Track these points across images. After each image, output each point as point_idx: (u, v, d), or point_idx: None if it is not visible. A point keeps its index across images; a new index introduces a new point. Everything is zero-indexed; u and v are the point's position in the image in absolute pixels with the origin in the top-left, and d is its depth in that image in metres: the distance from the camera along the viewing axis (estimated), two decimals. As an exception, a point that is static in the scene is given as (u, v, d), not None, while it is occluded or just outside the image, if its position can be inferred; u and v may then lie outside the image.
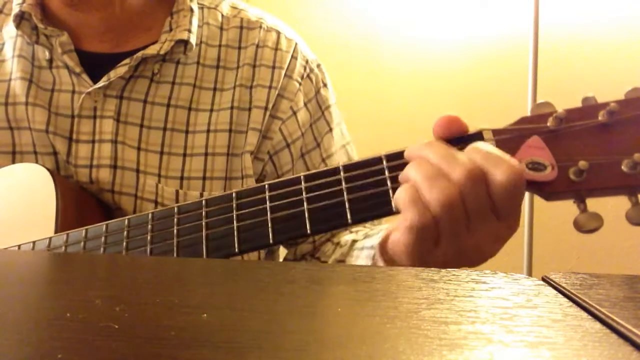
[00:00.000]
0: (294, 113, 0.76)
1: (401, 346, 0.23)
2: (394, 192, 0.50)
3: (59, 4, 0.72)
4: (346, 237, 0.74)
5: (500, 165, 0.46)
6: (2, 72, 0.75)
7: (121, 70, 0.71)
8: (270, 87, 0.75)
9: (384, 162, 0.52)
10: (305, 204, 0.53)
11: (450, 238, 0.48)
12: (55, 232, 0.63)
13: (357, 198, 0.51)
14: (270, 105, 0.75)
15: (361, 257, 0.65)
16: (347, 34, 1.97)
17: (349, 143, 0.84)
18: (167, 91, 0.74)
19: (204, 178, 0.73)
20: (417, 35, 1.94)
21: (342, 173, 0.53)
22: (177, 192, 0.71)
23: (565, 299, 0.29)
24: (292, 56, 0.78)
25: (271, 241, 0.53)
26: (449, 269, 0.35)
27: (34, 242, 0.62)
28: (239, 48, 0.77)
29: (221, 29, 0.78)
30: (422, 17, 1.93)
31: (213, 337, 0.24)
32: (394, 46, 1.96)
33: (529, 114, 0.52)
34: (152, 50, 0.72)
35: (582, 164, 0.47)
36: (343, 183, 0.52)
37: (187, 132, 0.73)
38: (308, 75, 0.79)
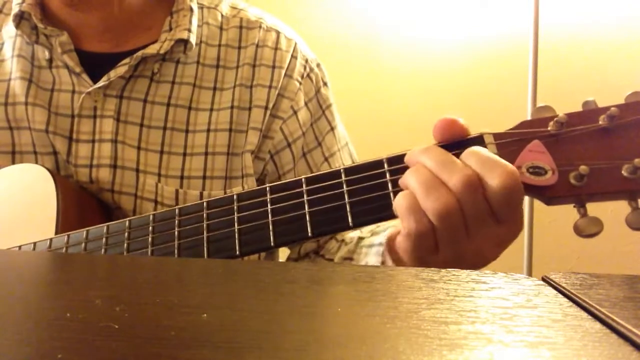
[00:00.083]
0: (295, 112, 0.76)
1: (401, 346, 0.23)
2: (395, 196, 0.50)
3: (59, 3, 0.72)
4: (351, 234, 0.74)
5: (495, 169, 0.46)
6: (1, 72, 0.75)
7: (121, 69, 0.71)
8: (270, 87, 0.75)
9: (386, 166, 0.52)
10: (306, 206, 0.53)
11: (449, 244, 0.48)
12: (56, 232, 0.63)
13: (358, 201, 0.51)
14: (270, 105, 0.75)
15: (370, 255, 0.65)
16: (347, 34, 1.97)
17: (348, 142, 0.84)
18: (167, 90, 0.74)
19: (204, 177, 0.73)
20: (417, 35, 1.94)
21: (343, 176, 0.52)
22: (177, 191, 0.71)
23: (565, 299, 0.29)
24: (292, 56, 0.78)
25: (272, 244, 0.53)
26: (449, 269, 0.35)
27: (34, 243, 0.62)
28: (239, 48, 0.77)
29: (221, 28, 0.78)
30: (422, 17, 1.93)
31: (213, 337, 0.24)
32: (394, 46, 1.96)
33: (529, 116, 0.52)
34: (151, 49, 0.72)
35: (583, 168, 0.47)
36: (344, 186, 0.52)
37: (187, 131, 0.73)
38: (308, 75, 0.79)
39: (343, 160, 0.80)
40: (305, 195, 0.53)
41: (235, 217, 0.55)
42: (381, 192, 0.51)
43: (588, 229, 0.48)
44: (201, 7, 0.78)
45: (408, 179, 0.49)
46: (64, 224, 0.63)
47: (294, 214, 0.53)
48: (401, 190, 0.50)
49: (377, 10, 1.96)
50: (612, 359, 0.22)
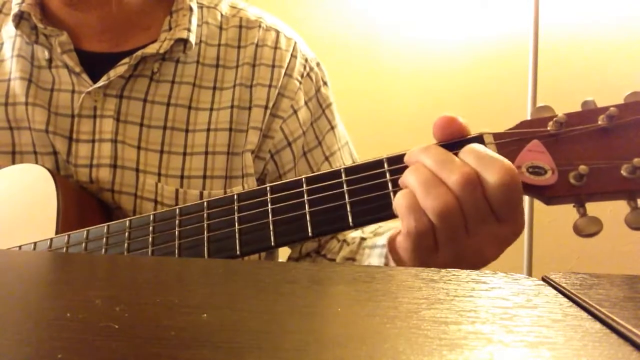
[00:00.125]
0: (295, 112, 0.76)
1: (401, 346, 0.23)
2: (395, 196, 0.50)
3: (58, 3, 0.72)
4: (352, 234, 0.74)
5: (492, 166, 0.46)
6: (1, 72, 0.75)
7: (121, 69, 0.71)
8: (270, 86, 0.75)
9: (386, 165, 0.52)
10: (307, 206, 0.53)
11: (449, 243, 0.48)
12: (56, 232, 0.63)
13: (358, 201, 0.51)
14: (270, 104, 0.75)
15: (373, 255, 0.65)
16: (347, 34, 1.97)
17: (348, 142, 0.84)
18: (166, 90, 0.74)
19: (204, 177, 0.73)
20: (417, 35, 1.94)
21: (343, 176, 0.52)
22: (177, 191, 0.71)
23: (565, 299, 0.29)
24: (291, 55, 0.78)
25: (273, 244, 0.53)
26: (449, 269, 0.35)
27: (35, 243, 0.62)
28: (239, 47, 0.77)
29: (220, 28, 0.78)
30: (422, 17, 1.93)
31: (213, 337, 0.24)
32: (394, 46, 1.96)
33: (529, 116, 0.52)
34: (151, 49, 0.72)
35: (582, 168, 0.47)
36: (345, 186, 0.52)
37: (187, 130, 0.73)
38: (308, 74, 0.79)
39: (343, 159, 0.81)
40: (305, 195, 0.53)
41: (236, 217, 0.55)
42: (381, 191, 0.51)
43: (588, 229, 0.48)
44: (201, 6, 0.78)
45: (407, 178, 0.49)
46: (64, 224, 0.63)
47: (294, 214, 0.53)
48: (401, 189, 0.50)
49: (377, 11, 1.96)
50: (612, 359, 0.22)
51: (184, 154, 0.73)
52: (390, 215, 0.51)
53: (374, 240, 0.68)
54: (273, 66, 0.76)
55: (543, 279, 0.33)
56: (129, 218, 0.59)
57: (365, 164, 0.53)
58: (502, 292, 0.31)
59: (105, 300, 0.28)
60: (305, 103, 0.78)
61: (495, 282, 0.32)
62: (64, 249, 0.60)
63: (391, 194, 0.51)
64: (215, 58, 0.76)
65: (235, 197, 0.55)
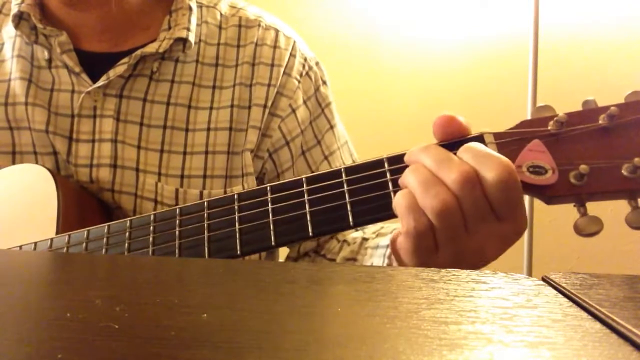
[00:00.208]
0: (293, 111, 0.76)
1: (401, 346, 0.23)
2: (395, 196, 0.50)
3: (58, 3, 0.72)
4: (353, 234, 0.74)
5: (489, 163, 0.46)
6: (1, 72, 0.75)
7: (120, 69, 0.71)
8: (269, 85, 0.75)
9: (386, 165, 0.52)
10: (307, 206, 0.53)
11: (449, 243, 0.47)
12: (57, 232, 0.63)
13: (359, 201, 0.51)
14: (269, 103, 0.75)
15: (375, 256, 0.65)
16: (347, 34, 1.97)
17: (348, 141, 0.84)
18: (166, 89, 0.74)
19: (205, 176, 0.73)
20: (417, 35, 1.94)
21: (344, 175, 0.52)
22: (177, 190, 0.71)
23: (565, 299, 0.29)
24: (290, 54, 0.78)
25: (273, 243, 0.53)
26: (449, 269, 0.35)
27: (35, 243, 0.62)
28: (238, 46, 0.77)
29: (220, 27, 0.78)
30: (422, 17, 1.93)
31: (213, 337, 0.24)
32: (394, 46, 1.96)
33: (529, 116, 0.52)
34: (150, 48, 0.72)
35: (583, 167, 0.47)
36: (345, 186, 0.52)
37: (187, 130, 0.73)
38: (307, 73, 0.79)
39: (343, 158, 0.81)
40: (305, 195, 0.53)
41: (236, 217, 0.55)
42: (381, 191, 0.51)
43: (588, 228, 0.48)
44: (200, 5, 0.78)
45: (407, 178, 0.49)
46: (64, 224, 0.63)
47: (294, 214, 0.53)
48: (401, 189, 0.50)
49: (377, 10, 1.96)
50: (612, 359, 0.22)
51: (184, 153, 0.73)
52: (391, 215, 0.51)
53: (376, 241, 0.68)
54: (272, 65, 0.76)
55: (543, 279, 0.33)
56: (129, 218, 0.59)
57: (365, 163, 0.53)
58: (502, 292, 0.31)
59: (105, 300, 0.28)
60: (304, 102, 0.78)
61: (495, 282, 0.32)
62: (65, 249, 0.60)
63: (391, 193, 0.51)
64: (215, 57, 0.76)
65: (235, 196, 0.55)
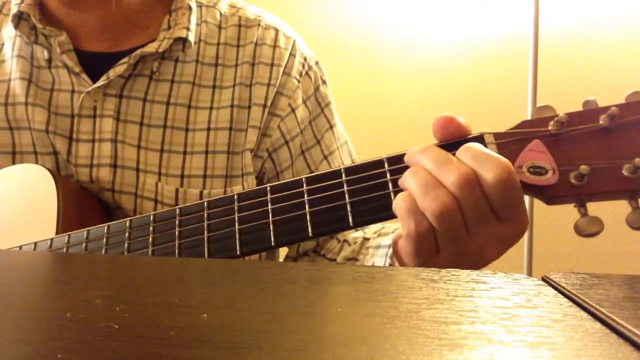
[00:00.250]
0: (293, 110, 0.76)
1: (401, 346, 0.23)
2: (395, 196, 0.50)
3: (57, 3, 0.72)
4: (354, 234, 0.74)
5: (488, 163, 0.46)
6: (1, 73, 0.75)
7: (120, 68, 0.71)
8: (269, 85, 0.75)
9: (386, 166, 0.52)
10: (307, 206, 0.53)
11: (449, 244, 0.47)
12: (57, 232, 0.63)
13: (359, 201, 0.51)
14: (269, 103, 0.75)
15: (377, 256, 0.65)
16: (347, 34, 1.97)
17: (347, 141, 0.84)
18: (166, 89, 0.74)
19: (205, 176, 0.73)
20: (417, 35, 1.94)
21: (343, 176, 0.52)
22: (177, 190, 0.71)
23: (565, 299, 0.29)
24: (290, 53, 0.78)
25: (273, 244, 0.53)
26: (449, 269, 0.35)
27: (35, 243, 0.62)
28: (238, 46, 0.77)
29: (219, 27, 0.78)
30: (422, 17, 1.93)
31: (213, 337, 0.24)
32: (394, 46, 1.96)
33: (529, 116, 0.52)
34: (150, 48, 0.72)
35: (583, 168, 0.47)
36: (345, 186, 0.52)
37: (187, 129, 0.73)
38: (307, 73, 0.79)
39: (342, 158, 0.80)
40: (305, 195, 0.53)
41: (236, 217, 0.55)
42: (382, 192, 0.51)
43: (588, 229, 0.48)
44: (200, 5, 0.78)
45: (406, 180, 0.49)
46: (64, 224, 0.63)
47: (294, 214, 0.53)
48: (402, 190, 0.49)
49: (377, 10, 1.96)
50: (612, 359, 0.22)
51: (184, 153, 0.73)
52: (391, 215, 0.50)
53: (377, 241, 0.68)
54: (272, 65, 0.76)
55: (543, 279, 0.33)
56: (129, 218, 0.59)
57: (365, 164, 0.53)
58: (502, 292, 0.31)
59: (105, 300, 0.28)
60: (304, 101, 0.78)
61: (495, 282, 0.32)
62: (64, 249, 0.60)
63: (391, 194, 0.51)
64: (215, 57, 0.76)
65: (235, 197, 0.55)
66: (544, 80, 1.65)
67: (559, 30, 1.85)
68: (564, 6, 1.85)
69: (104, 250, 0.59)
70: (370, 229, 0.74)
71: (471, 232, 0.47)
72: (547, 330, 0.25)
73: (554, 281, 0.32)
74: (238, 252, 0.54)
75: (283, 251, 0.81)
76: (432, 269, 0.35)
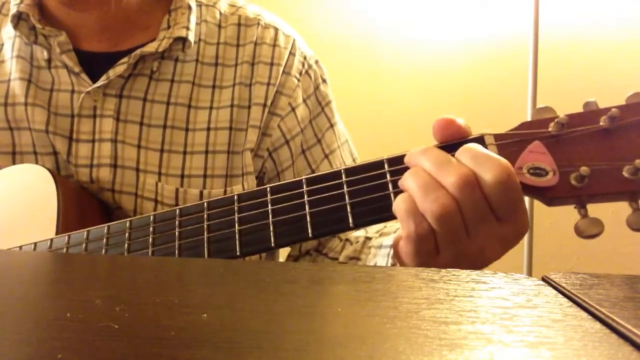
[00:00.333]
0: (293, 109, 0.76)
1: (401, 346, 0.23)
2: (395, 197, 0.50)
3: (56, 3, 0.72)
4: (355, 233, 0.74)
5: (487, 164, 0.46)
6: (1, 73, 0.75)
7: (120, 68, 0.71)
8: (268, 84, 0.75)
9: (386, 166, 0.52)
10: (307, 207, 0.53)
11: (450, 245, 0.47)
12: (57, 233, 0.63)
13: (359, 202, 0.51)
14: (269, 102, 0.75)
15: (379, 255, 0.65)
16: (347, 34, 1.97)
17: (348, 140, 0.84)
18: (166, 89, 0.74)
19: (205, 176, 0.73)
20: (417, 35, 1.94)
21: (344, 177, 0.52)
22: (177, 190, 0.71)
23: (565, 299, 0.29)
24: (290, 52, 0.78)
25: (273, 244, 0.53)
26: (449, 269, 0.35)
27: (35, 244, 0.62)
28: (237, 46, 0.77)
29: (219, 26, 0.78)
30: (422, 17, 1.93)
31: (213, 337, 0.24)
32: (394, 46, 1.96)
33: (529, 117, 0.52)
34: (150, 47, 0.72)
35: (584, 169, 0.47)
36: (345, 187, 0.52)
37: (187, 129, 0.73)
38: (307, 72, 0.79)
39: (343, 157, 0.80)
40: (305, 196, 0.53)
41: (236, 218, 0.55)
42: (382, 192, 0.51)
43: (589, 230, 0.48)
44: (199, 4, 0.78)
45: (406, 182, 0.49)
46: (64, 224, 0.63)
47: (294, 215, 0.53)
48: (402, 191, 0.49)
49: (377, 11, 1.96)
50: (612, 359, 0.22)
51: (184, 153, 0.73)
52: (391, 216, 0.50)
53: (379, 240, 0.68)
54: (272, 64, 0.76)
55: (543, 279, 0.33)
56: (129, 218, 0.59)
57: (365, 164, 0.53)
58: (502, 292, 0.31)
59: (105, 300, 0.28)
60: (304, 100, 0.78)
61: (495, 282, 0.32)
62: (64, 249, 0.60)
63: (392, 195, 0.51)
64: (214, 56, 0.76)
65: (235, 197, 0.55)
66: (544, 80, 1.65)
67: (559, 31, 1.85)
68: (564, 7, 1.85)
69: (104, 250, 0.59)
70: (373, 228, 0.74)
71: (471, 234, 0.47)
72: (547, 330, 0.25)
73: (554, 281, 0.32)
74: (238, 253, 0.54)
75: (284, 250, 0.81)
76: (432, 269, 0.35)
